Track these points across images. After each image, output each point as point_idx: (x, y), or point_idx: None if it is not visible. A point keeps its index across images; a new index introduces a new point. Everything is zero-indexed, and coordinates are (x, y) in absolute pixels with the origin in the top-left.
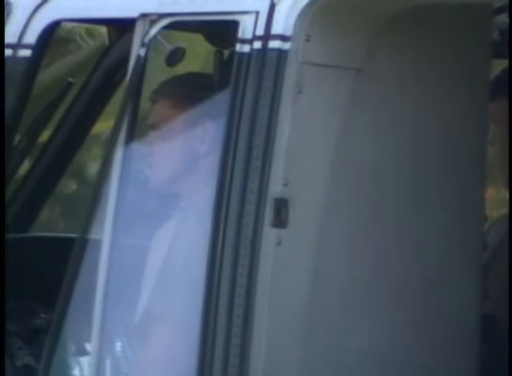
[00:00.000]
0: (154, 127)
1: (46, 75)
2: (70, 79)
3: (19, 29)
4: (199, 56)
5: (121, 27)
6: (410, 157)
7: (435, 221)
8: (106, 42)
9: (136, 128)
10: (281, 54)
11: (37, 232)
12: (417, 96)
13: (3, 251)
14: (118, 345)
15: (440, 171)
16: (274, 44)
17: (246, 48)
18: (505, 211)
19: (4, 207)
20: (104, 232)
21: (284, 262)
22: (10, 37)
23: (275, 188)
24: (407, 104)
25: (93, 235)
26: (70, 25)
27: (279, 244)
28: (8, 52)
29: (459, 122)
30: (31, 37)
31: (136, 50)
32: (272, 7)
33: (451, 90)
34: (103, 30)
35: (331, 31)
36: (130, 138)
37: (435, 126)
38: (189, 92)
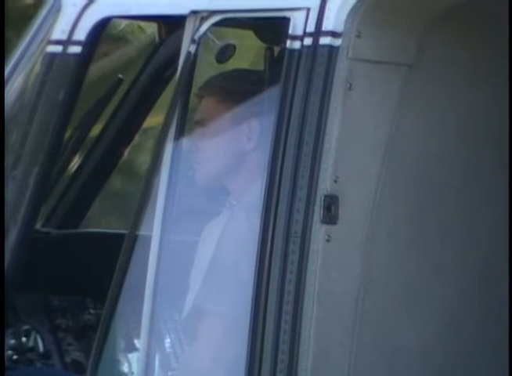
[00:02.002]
0: (200, 123)
1: (96, 72)
2: (120, 76)
3: (69, 26)
4: (249, 52)
5: (171, 24)
6: (460, 153)
7: (484, 217)
8: (157, 39)
9: (186, 125)
10: (332, 50)
11: (86, 228)
12: (467, 92)
13: (3, 250)
14: (167, 341)
15: (490, 167)
16: (325, 40)
17: (296, 44)
18: None
19: (4, 206)
20: (153, 228)
21: (334, 259)
22: (60, 33)
23: (325, 184)
24: (457, 100)
25: (143, 231)
26: (120, 22)
27: (328, 240)
28: (58, 48)
29: (508, 117)
30: (81, 34)
31: (186, 47)
32: (323, 3)
33: (500, 85)
34: (154, 27)
35: (382, 27)
36: (179, 135)
37: (485, 121)
38: (235, 88)
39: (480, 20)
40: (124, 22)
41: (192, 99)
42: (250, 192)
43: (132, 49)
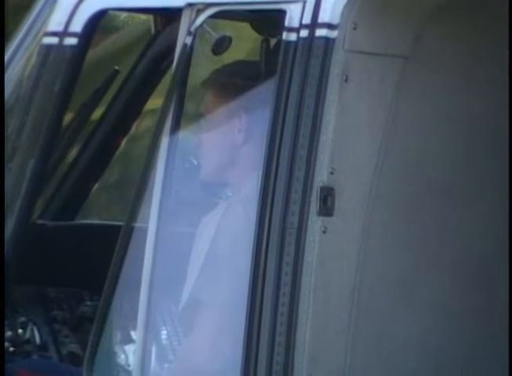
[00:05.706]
0: (200, 116)
1: (92, 63)
2: (116, 67)
3: (66, 17)
4: (245, 44)
5: (168, 16)
6: (457, 145)
7: (482, 209)
8: (153, 31)
9: (182, 116)
10: (328, 42)
11: (83, 219)
12: (464, 83)
13: (3, 249)
14: (163, 333)
15: (487, 160)
16: (321, 32)
17: (292, 36)
18: None
19: (4, 206)
20: (150, 220)
21: (330, 251)
22: (56, 25)
23: (321, 176)
24: (454, 91)
25: (139, 223)
26: (116, 14)
27: (324, 232)
28: (54, 40)
29: (506, 109)
30: (78, 26)
31: (182, 39)
32: None
33: (498, 76)
34: (150, 19)
35: (378, 19)
36: (175, 127)
37: (482, 113)
38: (235, 80)
39: (477, 12)
40: (121, 14)
41: (190, 91)
42: (246, 184)
43: (128, 41)
